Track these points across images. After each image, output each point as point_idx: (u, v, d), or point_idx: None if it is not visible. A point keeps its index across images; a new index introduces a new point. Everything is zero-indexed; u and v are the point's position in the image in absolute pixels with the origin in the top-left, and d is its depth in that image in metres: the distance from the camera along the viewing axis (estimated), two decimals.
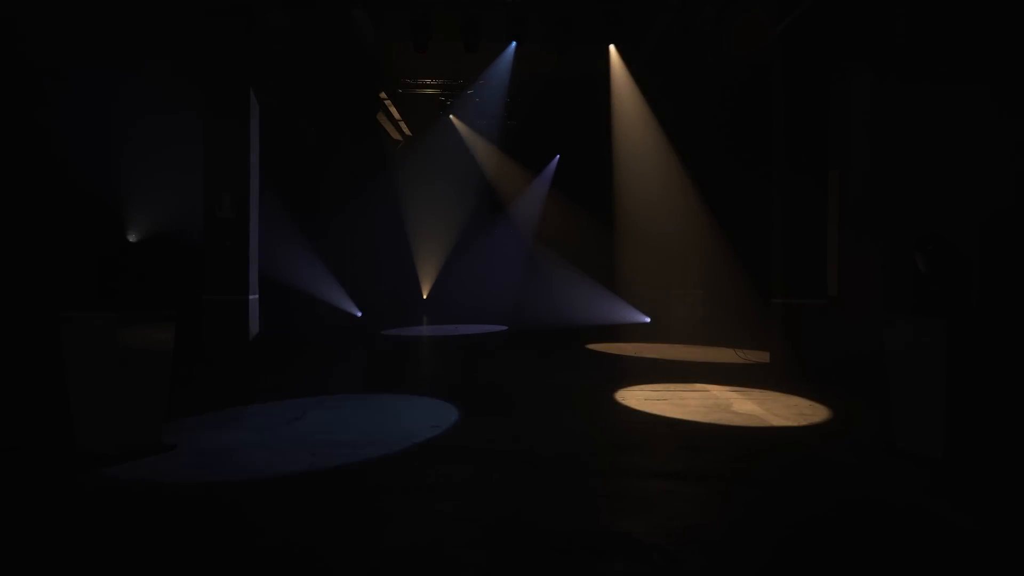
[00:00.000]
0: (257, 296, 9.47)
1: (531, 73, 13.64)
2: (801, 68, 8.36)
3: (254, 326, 9.28)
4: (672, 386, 7.63)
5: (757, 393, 7.16)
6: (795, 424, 5.75)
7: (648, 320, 14.80)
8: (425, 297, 18.75)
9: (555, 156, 18.39)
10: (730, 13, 9.54)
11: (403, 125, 17.86)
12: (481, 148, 17.24)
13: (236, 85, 9.29)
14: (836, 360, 7.99)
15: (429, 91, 15.25)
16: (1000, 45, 6.22)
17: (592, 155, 15.62)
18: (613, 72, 13.47)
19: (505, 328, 15.17)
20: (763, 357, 9.24)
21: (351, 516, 3.60)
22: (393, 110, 16.45)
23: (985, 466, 4.39)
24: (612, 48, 13.01)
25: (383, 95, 15.26)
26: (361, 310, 14.35)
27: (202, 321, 8.89)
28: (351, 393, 7.08)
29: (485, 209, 18.23)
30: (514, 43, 12.63)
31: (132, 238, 4.71)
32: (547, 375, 8.59)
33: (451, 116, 16.50)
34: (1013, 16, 6.10)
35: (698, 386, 7.61)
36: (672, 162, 13.24)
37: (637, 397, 6.92)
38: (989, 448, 4.51)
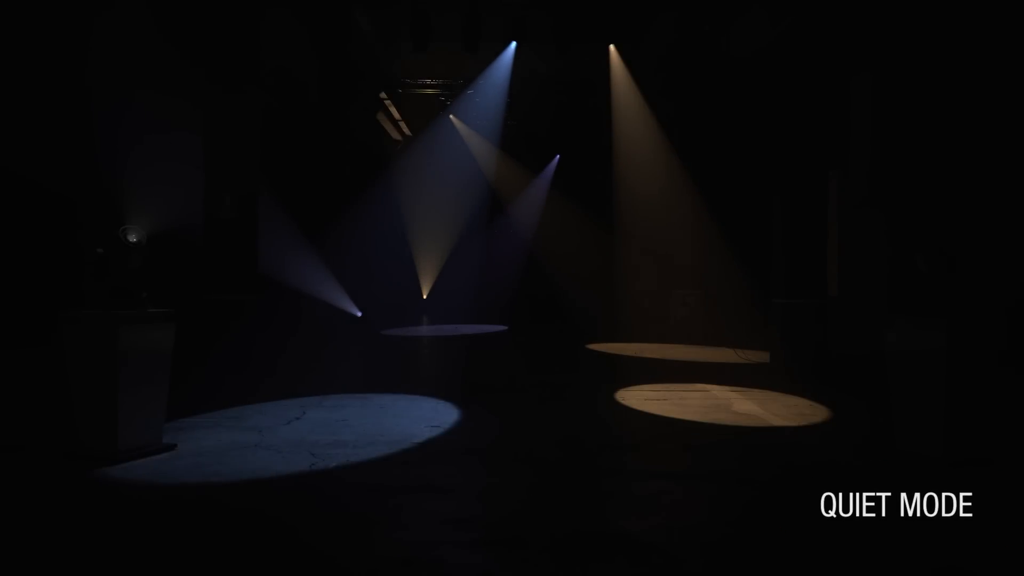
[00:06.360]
0: (257, 296, 9.47)
1: (531, 73, 13.63)
2: (801, 67, 8.36)
3: (254, 326, 9.28)
4: (672, 386, 7.63)
5: (757, 393, 7.16)
6: (795, 424, 5.75)
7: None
8: (425, 297, 18.73)
9: (555, 156, 18.38)
10: (729, 13, 9.54)
11: (403, 125, 17.85)
12: (481, 148, 17.23)
13: (237, 85, 9.30)
14: (836, 360, 7.98)
15: (429, 91, 15.25)
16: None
17: (592, 155, 15.60)
18: (613, 72, 13.47)
19: (505, 328, 15.17)
20: (763, 357, 9.24)
21: (350, 516, 3.60)
22: (393, 110, 16.44)
23: (985, 466, 4.39)
24: (612, 48, 13.01)
25: (383, 95, 15.25)
26: (361, 310, 14.34)
27: (202, 321, 8.88)
28: (351, 393, 7.08)
29: (485, 209, 18.21)
30: (514, 43, 12.64)
31: (132, 238, 4.69)
32: (547, 375, 8.58)
33: (451, 116, 16.49)
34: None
35: (698, 386, 7.61)
36: (672, 162, 13.23)
37: (637, 397, 6.92)
38: (989, 448, 4.51)
